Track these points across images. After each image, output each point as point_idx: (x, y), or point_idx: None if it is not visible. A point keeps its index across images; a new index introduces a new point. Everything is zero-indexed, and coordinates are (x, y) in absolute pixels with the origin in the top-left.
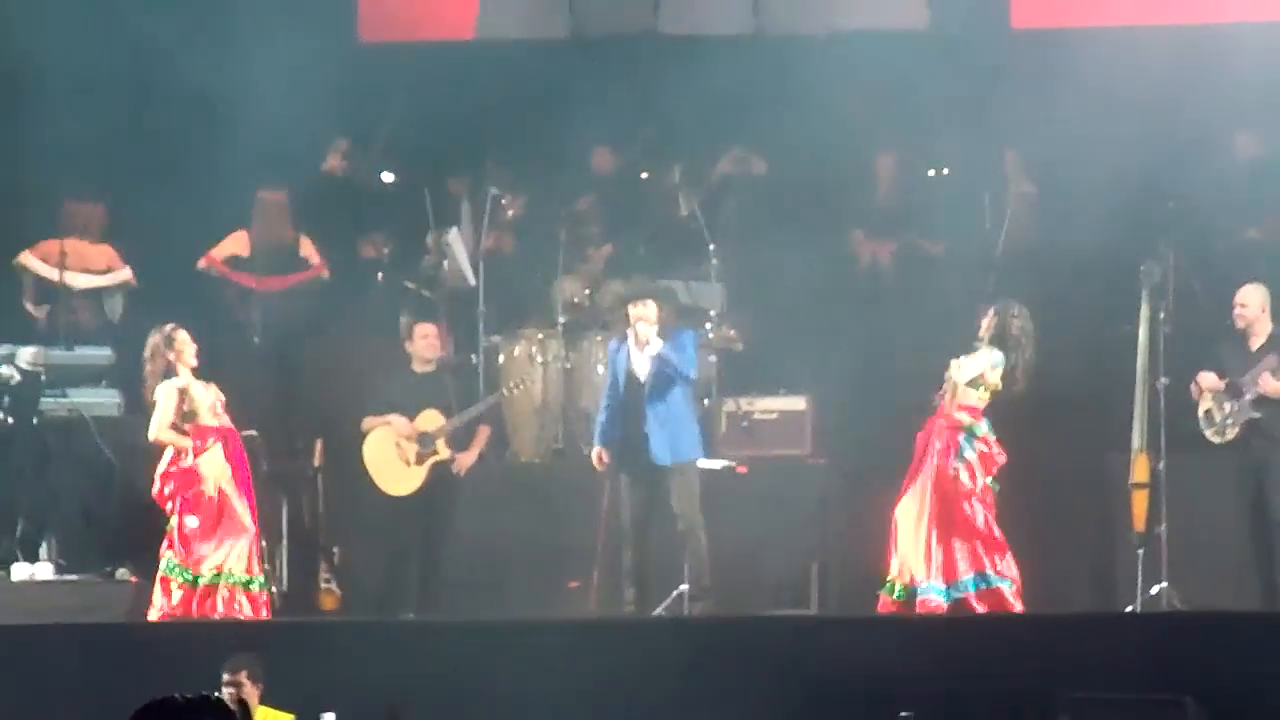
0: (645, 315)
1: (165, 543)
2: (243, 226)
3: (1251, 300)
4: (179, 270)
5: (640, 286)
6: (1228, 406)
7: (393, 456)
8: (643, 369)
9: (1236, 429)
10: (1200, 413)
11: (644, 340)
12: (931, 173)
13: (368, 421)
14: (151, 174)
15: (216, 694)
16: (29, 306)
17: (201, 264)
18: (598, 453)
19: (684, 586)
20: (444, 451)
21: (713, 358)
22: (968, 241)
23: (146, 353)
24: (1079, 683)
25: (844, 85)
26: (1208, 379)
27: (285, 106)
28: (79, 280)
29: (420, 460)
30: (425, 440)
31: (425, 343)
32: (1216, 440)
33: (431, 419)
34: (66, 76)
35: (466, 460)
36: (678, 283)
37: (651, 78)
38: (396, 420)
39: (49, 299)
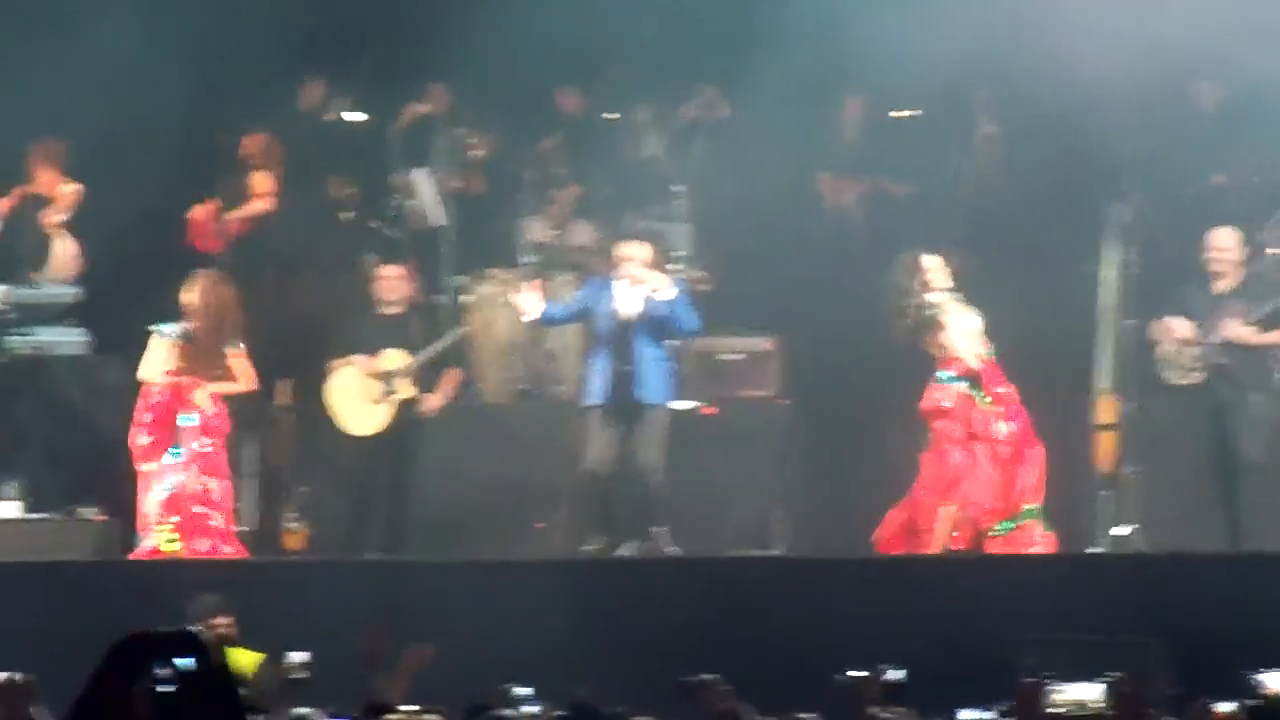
0: (638, 256)
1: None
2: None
3: (1228, 243)
4: (144, 211)
5: (632, 227)
6: (1191, 349)
7: (357, 396)
8: (631, 308)
9: (1203, 371)
10: (1161, 354)
11: (639, 280)
12: (898, 114)
13: (333, 362)
14: (119, 114)
15: (193, 629)
16: None
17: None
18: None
19: (654, 528)
20: (407, 390)
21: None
22: (935, 184)
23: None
24: (1043, 625)
25: (811, 25)
26: (1176, 323)
27: (258, 45)
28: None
29: (385, 399)
30: (390, 379)
31: (389, 284)
32: (1181, 382)
33: (395, 358)
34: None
35: (434, 402)
36: (645, 223)
37: (618, 17)
38: (360, 360)
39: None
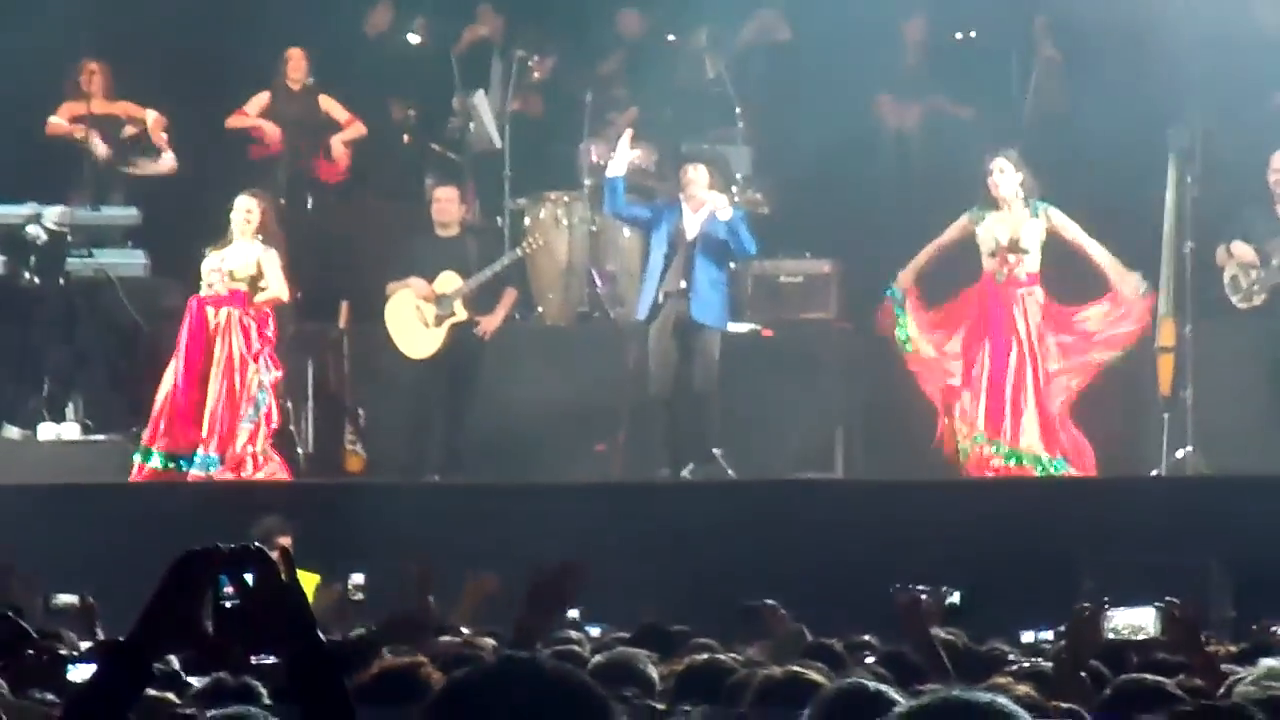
0: (698, 180)
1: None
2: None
3: None
4: (204, 131)
5: (695, 150)
6: (1254, 273)
7: (413, 319)
8: (693, 229)
9: (1264, 295)
10: (1226, 279)
11: (700, 203)
12: (959, 36)
13: (390, 286)
14: (180, 31)
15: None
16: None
17: (232, 122)
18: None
19: (714, 450)
20: (461, 313)
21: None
22: (994, 106)
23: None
24: (1104, 547)
25: None
26: (1239, 248)
27: None
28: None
29: (439, 322)
30: (443, 302)
31: (444, 206)
32: (1243, 306)
33: (449, 281)
34: None
35: (492, 323)
36: (704, 146)
37: None
38: (416, 283)
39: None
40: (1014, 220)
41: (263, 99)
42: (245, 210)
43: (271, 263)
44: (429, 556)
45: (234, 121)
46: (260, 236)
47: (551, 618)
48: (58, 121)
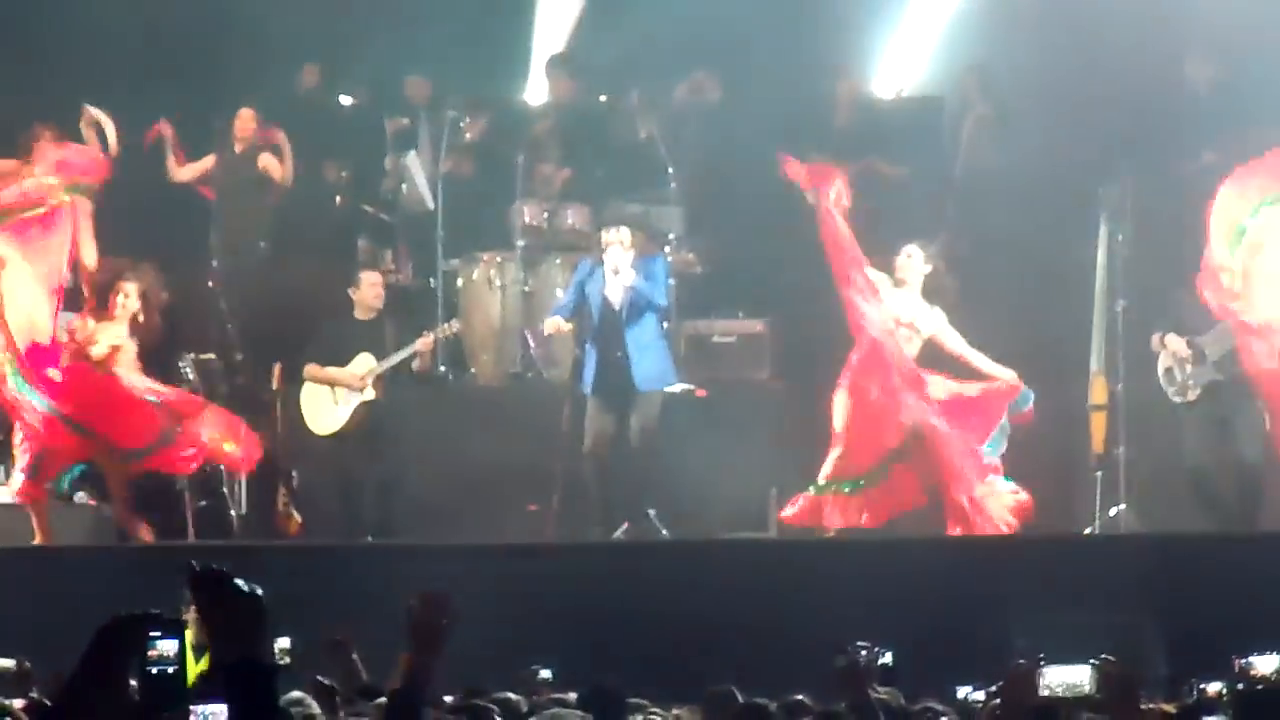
0: (620, 241)
1: None
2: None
3: None
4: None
5: (616, 212)
6: (1188, 368)
7: (322, 397)
8: (617, 295)
9: (1198, 390)
10: (1160, 369)
11: (619, 266)
12: (890, 95)
13: (308, 369)
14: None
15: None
16: None
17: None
18: (554, 322)
19: (648, 510)
20: (371, 394)
21: (671, 281)
22: (926, 165)
23: None
24: (1037, 605)
25: (801, 8)
26: (1173, 341)
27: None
28: None
29: (346, 400)
30: (355, 384)
31: (372, 291)
32: (1178, 400)
33: (364, 362)
34: None
35: (426, 344)
36: (636, 206)
37: (609, 2)
38: (320, 371)
39: None
40: (914, 303)
41: (207, 163)
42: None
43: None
44: (348, 630)
45: (181, 175)
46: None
47: (434, 653)
48: None
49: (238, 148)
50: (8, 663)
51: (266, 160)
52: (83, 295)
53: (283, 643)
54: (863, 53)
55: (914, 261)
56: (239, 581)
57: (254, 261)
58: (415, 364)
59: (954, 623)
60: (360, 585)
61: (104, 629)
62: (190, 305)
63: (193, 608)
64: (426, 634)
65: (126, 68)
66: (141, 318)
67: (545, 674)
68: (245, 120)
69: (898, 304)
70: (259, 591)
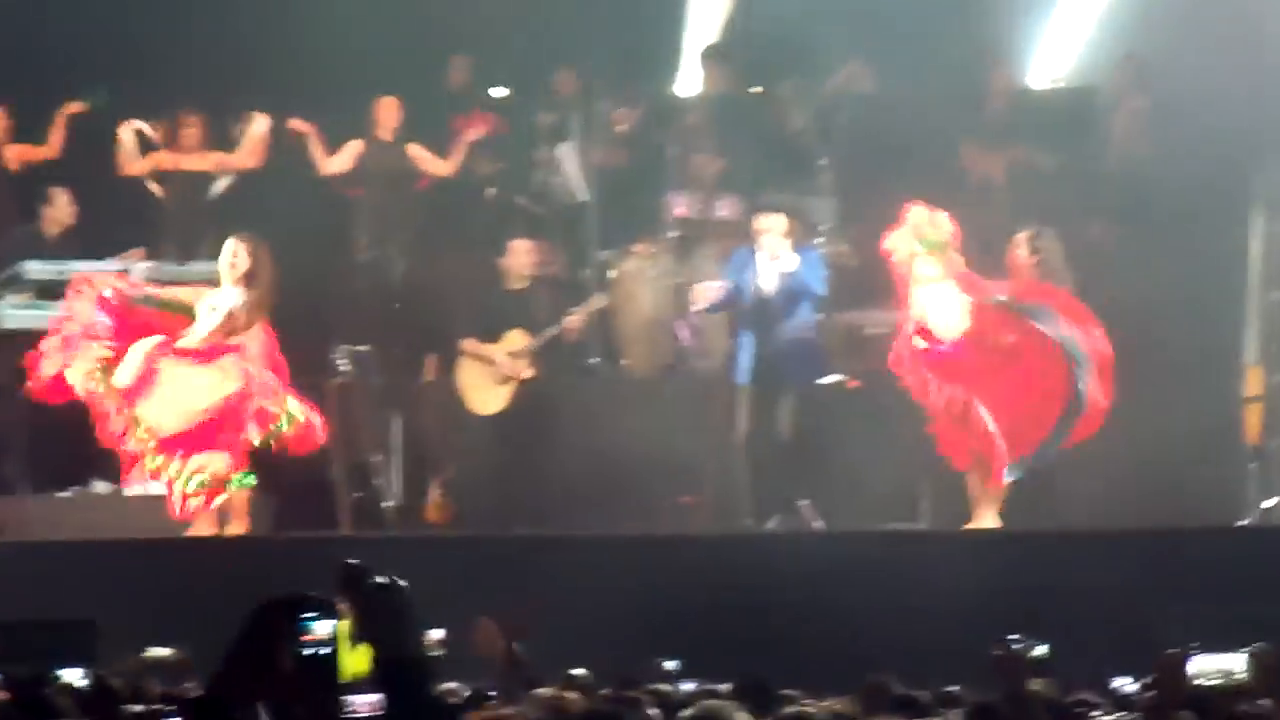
0: (774, 228)
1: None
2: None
3: None
4: (288, 180)
5: (770, 200)
6: None
7: (481, 377)
8: (772, 284)
9: None
10: None
11: (775, 253)
12: (1046, 85)
13: (464, 343)
14: (268, 83)
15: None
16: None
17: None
18: (704, 289)
19: (802, 502)
20: (527, 372)
21: (824, 273)
22: (1080, 155)
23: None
24: (1191, 597)
25: None
26: None
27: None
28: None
29: (504, 381)
30: (509, 362)
31: (521, 258)
32: None
33: (517, 339)
34: None
35: (574, 322)
36: (789, 197)
37: None
38: (478, 346)
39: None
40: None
41: (356, 147)
42: (231, 254)
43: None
44: (524, 613)
45: (331, 167)
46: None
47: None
48: (140, 167)
49: (383, 137)
50: (166, 652)
51: (416, 151)
52: None
53: (435, 634)
54: (1017, 42)
55: (1021, 250)
56: (385, 578)
57: (404, 253)
58: (565, 339)
59: (1110, 615)
60: (513, 576)
61: (258, 612)
62: (342, 296)
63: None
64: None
65: (268, 64)
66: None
67: (670, 665)
68: (388, 108)
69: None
70: (404, 585)
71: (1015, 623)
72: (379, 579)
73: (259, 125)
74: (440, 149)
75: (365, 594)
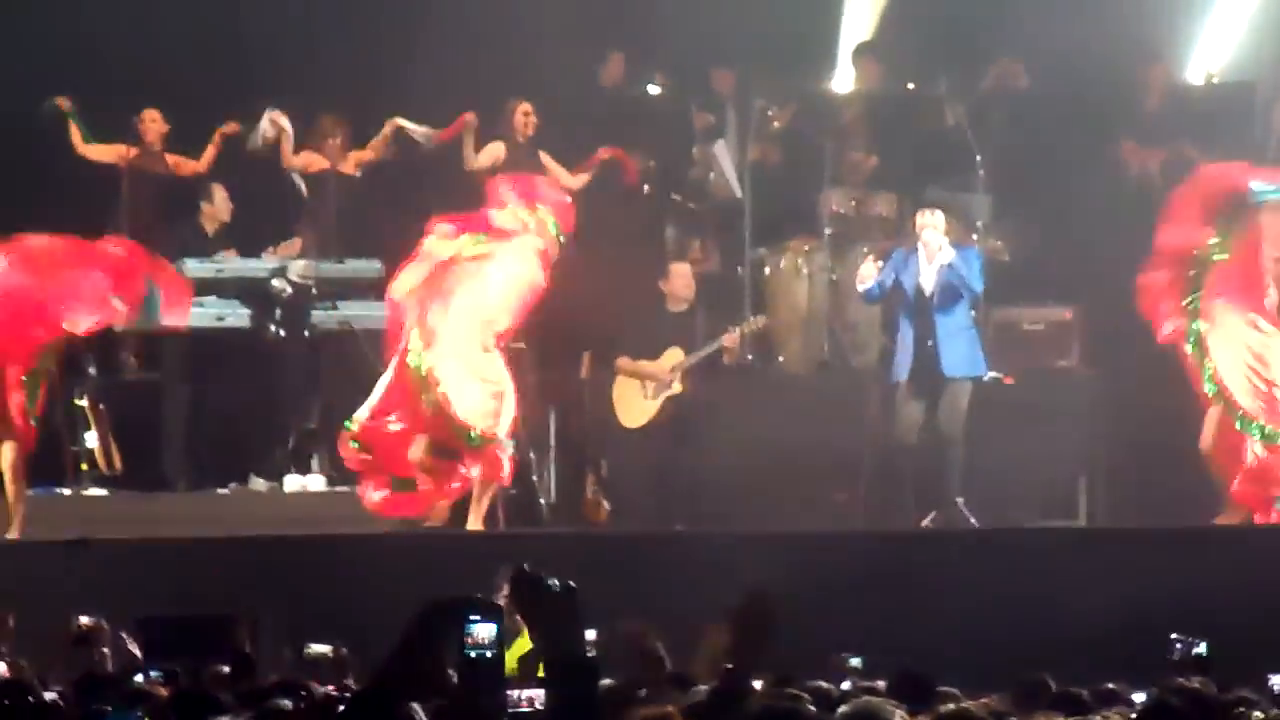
0: (934, 224)
1: None
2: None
3: None
4: (441, 176)
5: (930, 197)
6: None
7: (633, 391)
8: (930, 281)
9: None
10: None
11: (935, 250)
12: (1203, 81)
13: (620, 361)
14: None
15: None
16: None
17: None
18: (865, 270)
19: (957, 498)
20: (678, 387)
21: (981, 269)
22: (1239, 150)
23: None
24: None
25: None
26: None
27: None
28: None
29: (656, 394)
30: (664, 377)
31: (681, 282)
32: None
33: (673, 356)
34: None
35: (732, 340)
36: (944, 193)
37: None
38: (634, 365)
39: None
40: None
41: (497, 150)
42: None
43: None
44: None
45: (475, 164)
46: None
47: (759, 650)
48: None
49: (519, 140)
50: (324, 649)
51: (545, 160)
52: None
53: (588, 634)
54: (1173, 37)
55: None
56: (555, 580)
57: (561, 251)
58: (724, 358)
59: (1267, 611)
60: (671, 574)
61: (423, 612)
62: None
63: (505, 595)
64: (753, 631)
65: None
66: None
67: (855, 662)
68: (524, 113)
69: None
70: (574, 587)
71: (1175, 619)
72: (551, 581)
73: (388, 127)
74: (597, 145)
75: (538, 598)
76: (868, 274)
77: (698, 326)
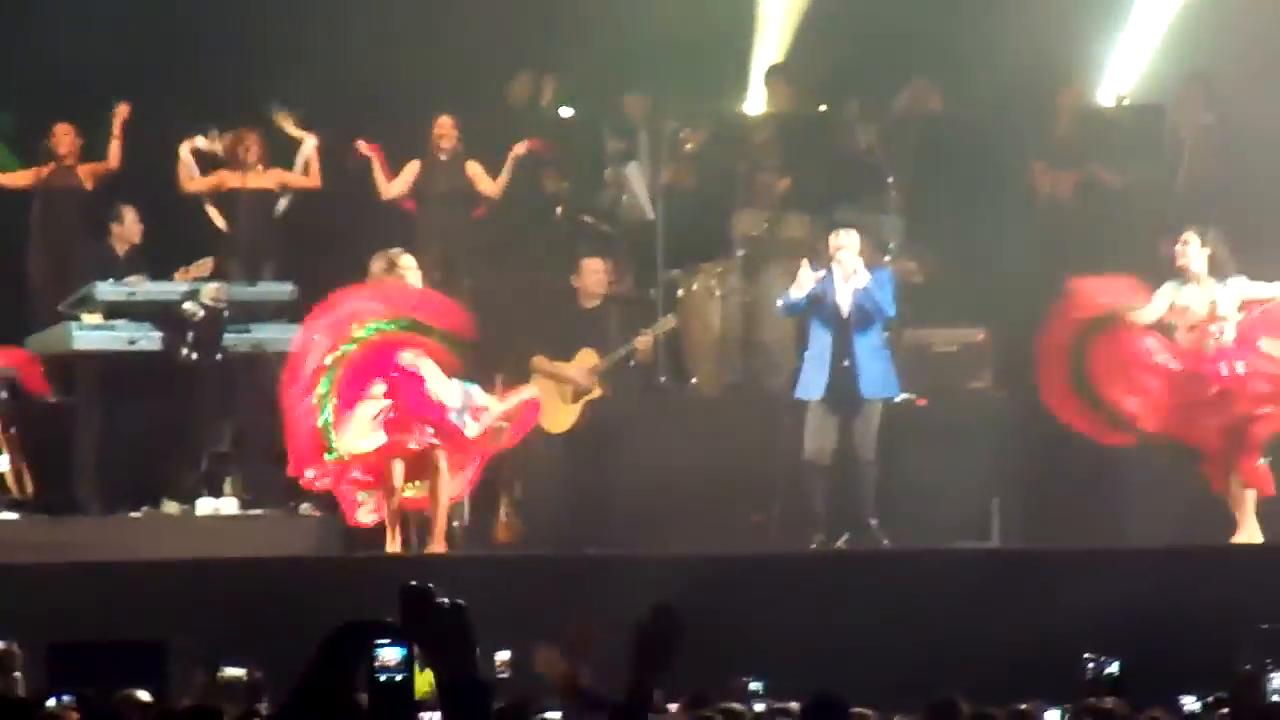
0: (849, 245)
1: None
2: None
3: None
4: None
5: (841, 218)
6: None
7: (552, 395)
8: (845, 301)
9: None
10: None
11: (850, 271)
12: (1113, 103)
13: (536, 360)
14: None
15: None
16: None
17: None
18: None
19: (870, 520)
20: (597, 390)
21: (893, 291)
22: (1149, 173)
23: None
24: (1265, 614)
25: (1019, 16)
26: None
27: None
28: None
29: (575, 398)
30: (582, 381)
31: (594, 278)
32: None
33: (588, 357)
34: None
35: (645, 342)
36: (856, 215)
37: (827, 11)
38: (549, 365)
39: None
40: (1207, 293)
41: (413, 169)
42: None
43: None
44: (591, 623)
45: (392, 191)
46: None
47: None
48: (198, 183)
49: (441, 156)
50: (238, 672)
51: (473, 169)
52: None
53: (503, 655)
54: (1084, 60)
55: (1192, 248)
56: (445, 599)
57: (469, 272)
58: (638, 358)
59: (1178, 632)
60: (581, 596)
61: (330, 637)
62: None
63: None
64: (657, 649)
65: (318, 80)
66: None
67: (755, 686)
68: (445, 127)
69: (1191, 299)
70: (462, 605)
71: (1089, 640)
72: (441, 600)
73: (309, 144)
74: (498, 168)
75: (427, 617)
76: (805, 280)
77: (610, 327)
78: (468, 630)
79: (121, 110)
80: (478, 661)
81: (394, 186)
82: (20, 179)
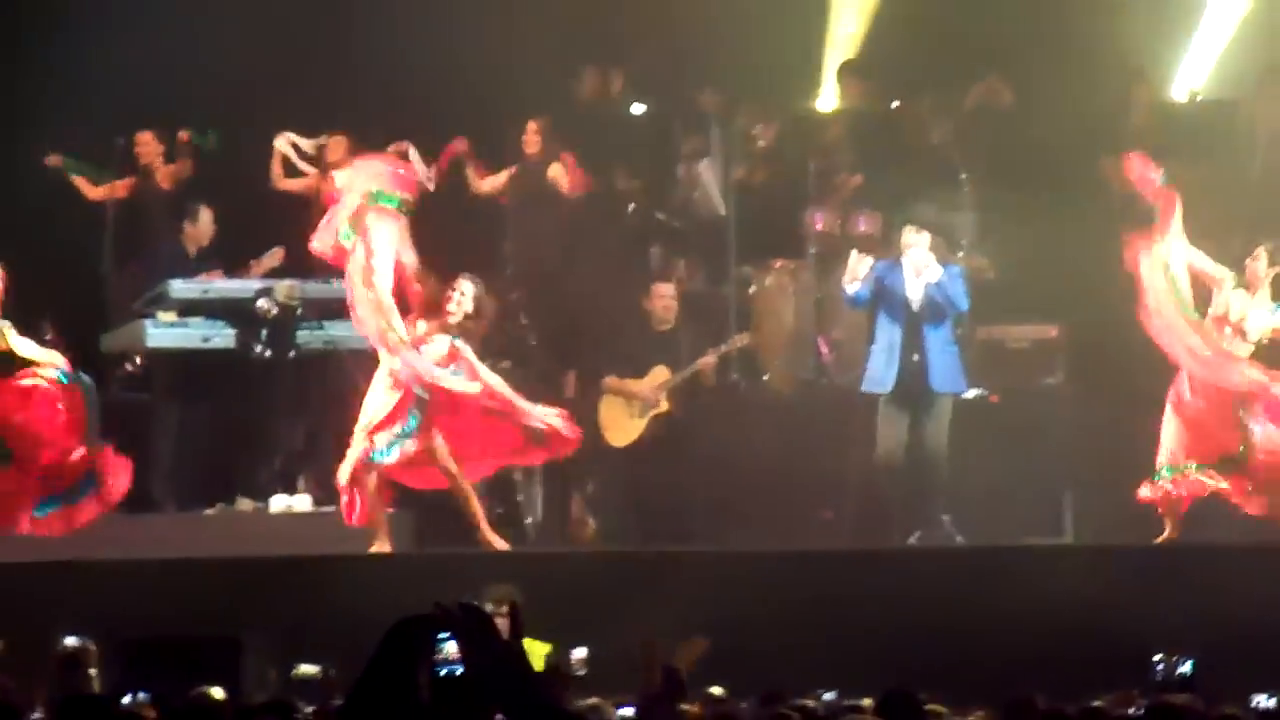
0: (920, 243)
1: None
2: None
3: None
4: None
5: (915, 215)
6: None
7: (619, 410)
8: (916, 295)
9: None
10: None
11: (921, 267)
12: (1186, 98)
13: (607, 380)
14: (396, 104)
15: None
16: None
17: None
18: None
19: (944, 516)
20: (664, 405)
21: (966, 287)
22: (1225, 167)
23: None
24: None
25: (1092, 12)
26: None
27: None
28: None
29: (643, 413)
30: (650, 396)
31: (661, 304)
32: None
33: (659, 374)
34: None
35: (708, 363)
36: (930, 211)
37: (899, 6)
38: (620, 384)
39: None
40: (1252, 305)
41: (502, 176)
42: (460, 293)
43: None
44: (653, 634)
45: (484, 188)
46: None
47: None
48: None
49: (528, 159)
50: (313, 669)
51: (555, 171)
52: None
53: (579, 652)
54: (1158, 55)
55: (1260, 264)
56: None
57: (548, 270)
58: (701, 380)
59: (1252, 630)
60: (655, 591)
61: (392, 631)
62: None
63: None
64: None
65: (416, 88)
66: (473, 320)
67: (829, 697)
68: (531, 133)
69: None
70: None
71: (1163, 637)
72: (464, 602)
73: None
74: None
75: (456, 623)
76: (860, 270)
77: (682, 345)
78: (489, 628)
79: (181, 136)
80: (534, 680)
81: (485, 185)
82: (108, 191)
